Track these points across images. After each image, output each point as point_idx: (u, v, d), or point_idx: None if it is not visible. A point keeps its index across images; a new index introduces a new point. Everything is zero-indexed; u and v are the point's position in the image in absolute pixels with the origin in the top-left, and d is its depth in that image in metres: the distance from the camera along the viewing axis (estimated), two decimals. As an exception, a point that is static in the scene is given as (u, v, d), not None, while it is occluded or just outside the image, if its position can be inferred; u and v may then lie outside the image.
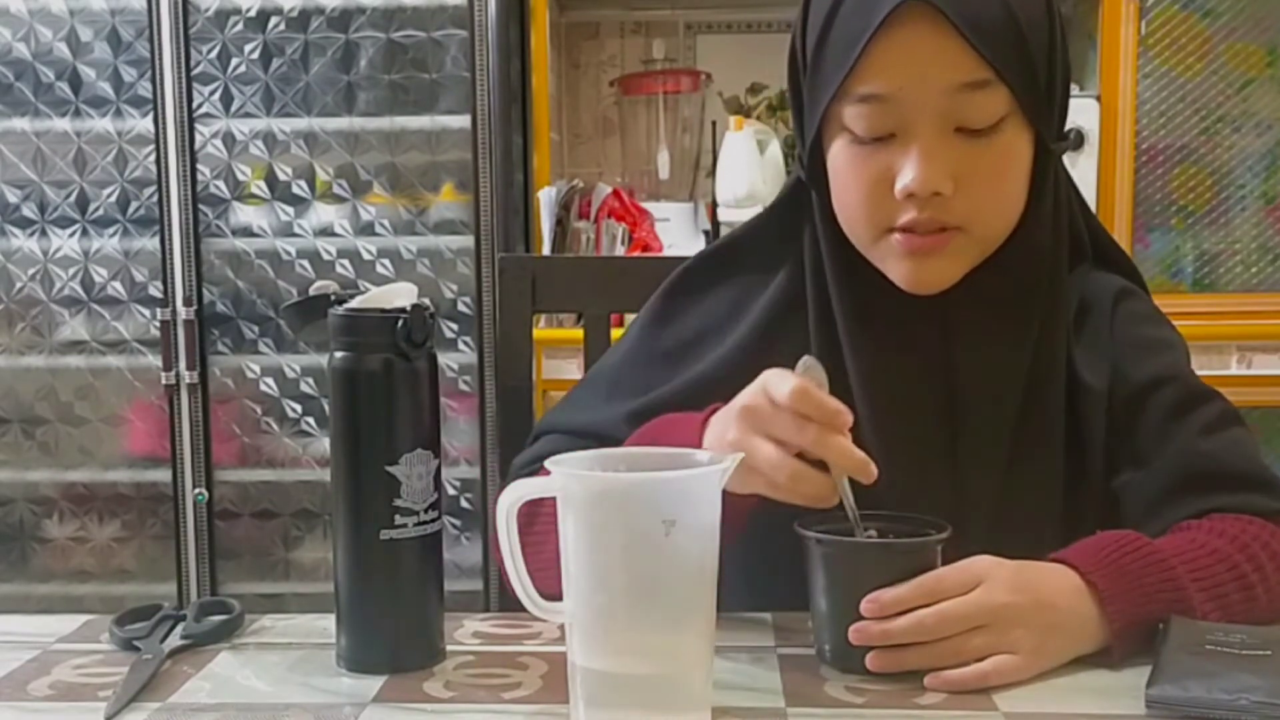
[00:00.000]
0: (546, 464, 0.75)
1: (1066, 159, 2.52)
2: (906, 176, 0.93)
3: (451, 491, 2.57)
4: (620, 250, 2.59)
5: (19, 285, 2.63)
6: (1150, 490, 0.99)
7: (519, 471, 1.07)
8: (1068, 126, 2.47)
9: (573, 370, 2.32)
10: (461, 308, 2.56)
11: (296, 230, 2.59)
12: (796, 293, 1.06)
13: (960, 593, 0.83)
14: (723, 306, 1.10)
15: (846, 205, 0.99)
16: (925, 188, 0.93)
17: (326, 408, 0.89)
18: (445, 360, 2.50)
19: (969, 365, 1.01)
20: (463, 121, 2.52)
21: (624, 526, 0.73)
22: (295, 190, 2.59)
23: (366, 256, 2.58)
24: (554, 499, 0.75)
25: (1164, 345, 1.11)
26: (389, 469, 0.85)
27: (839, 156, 0.98)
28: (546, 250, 2.52)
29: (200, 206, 2.57)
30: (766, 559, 1.01)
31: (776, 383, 0.84)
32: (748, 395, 0.86)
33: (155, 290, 2.59)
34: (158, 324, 2.59)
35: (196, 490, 2.61)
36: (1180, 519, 0.97)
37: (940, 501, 0.93)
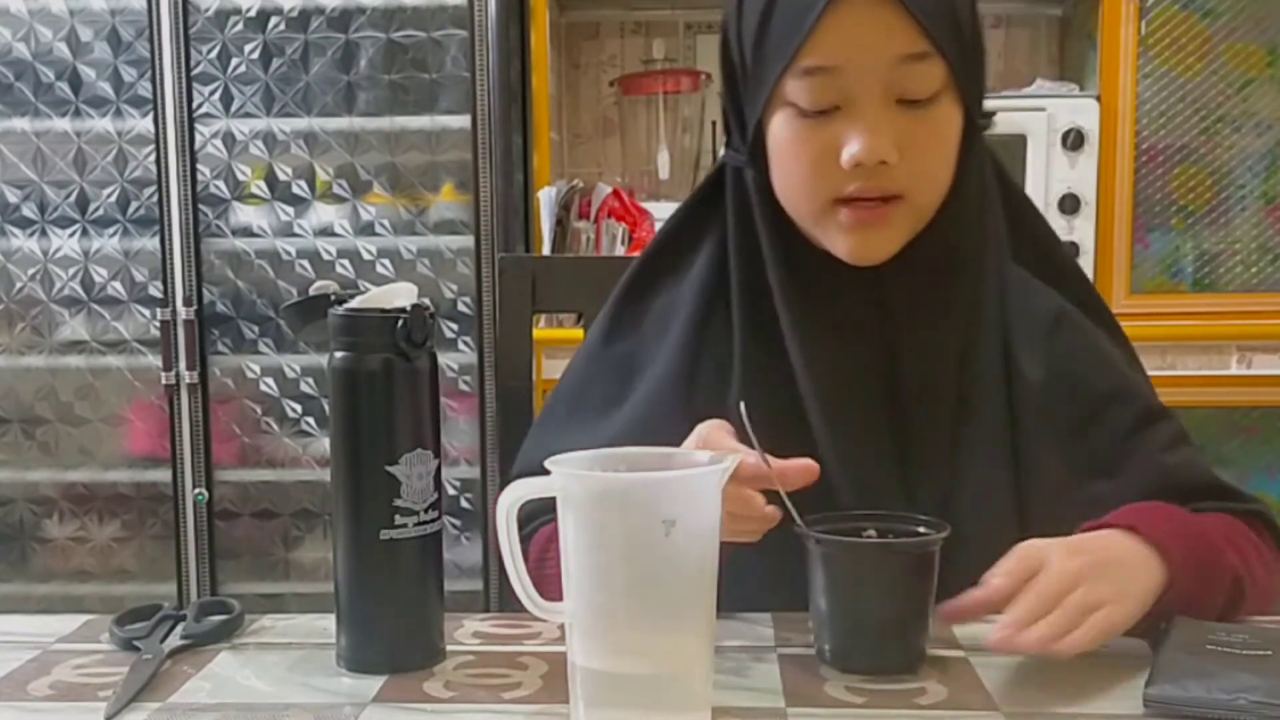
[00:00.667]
0: (546, 463, 0.75)
1: (1066, 158, 2.54)
2: (854, 146, 0.96)
3: (451, 491, 2.57)
4: (620, 250, 2.59)
5: (19, 285, 2.63)
6: (1129, 498, 1.00)
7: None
8: (1068, 126, 2.49)
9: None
10: (461, 308, 2.56)
11: (296, 230, 2.59)
12: (720, 279, 1.08)
13: (1030, 576, 0.84)
14: (661, 305, 1.12)
15: (791, 178, 1.02)
16: (873, 156, 0.96)
17: (326, 408, 0.89)
18: (445, 360, 2.50)
19: (907, 344, 1.04)
20: (463, 121, 2.52)
21: (624, 526, 0.73)
22: (295, 190, 2.59)
23: (366, 256, 2.58)
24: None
25: (1121, 359, 1.13)
26: (389, 469, 0.85)
27: (782, 131, 1.01)
28: (546, 250, 2.52)
29: (200, 206, 2.57)
30: (767, 559, 1.01)
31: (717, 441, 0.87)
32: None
33: (155, 290, 2.59)
34: (158, 324, 2.59)
35: (196, 490, 2.61)
36: None
37: (889, 479, 0.97)
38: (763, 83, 1.00)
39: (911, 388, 1.04)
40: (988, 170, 1.07)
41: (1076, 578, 0.84)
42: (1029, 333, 1.07)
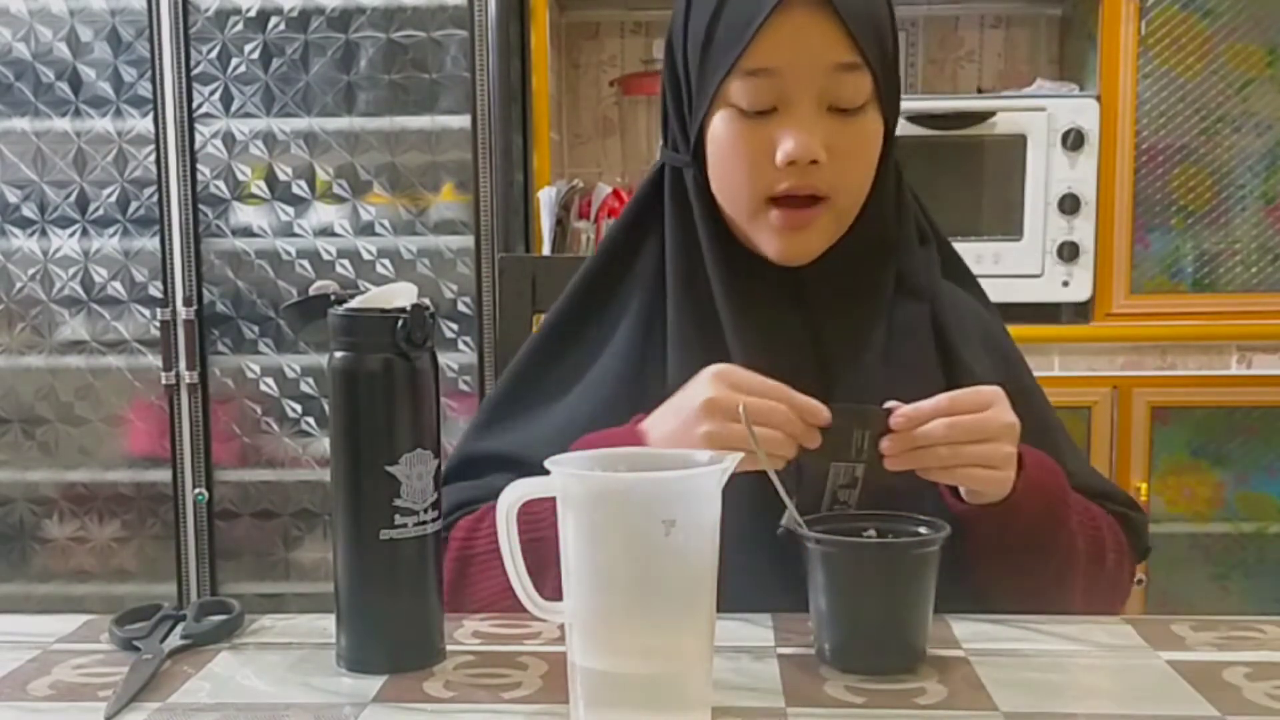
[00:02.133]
0: (546, 463, 0.75)
1: (1067, 158, 2.54)
2: (789, 144, 1.04)
3: (451, 491, 2.57)
4: (620, 250, 2.59)
5: (19, 285, 2.64)
6: None
7: (452, 515, 1.09)
8: (1068, 126, 2.50)
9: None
10: (461, 308, 2.56)
11: (296, 230, 2.59)
12: (662, 276, 1.14)
13: (974, 410, 0.96)
14: (607, 303, 1.17)
15: (729, 175, 1.08)
16: (805, 154, 1.03)
17: (326, 408, 0.89)
18: (445, 360, 2.50)
19: (832, 332, 1.10)
20: (463, 121, 2.52)
21: (624, 526, 0.73)
22: (295, 190, 2.59)
23: (366, 256, 2.58)
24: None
25: (1023, 369, 1.20)
26: (389, 469, 0.85)
27: (723, 130, 1.07)
28: (546, 250, 2.52)
29: (200, 206, 2.57)
30: (767, 559, 1.01)
31: (740, 375, 0.96)
32: (707, 390, 0.94)
33: (155, 290, 2.59)
34: (158, 324, 2.59)
35: (196, 490, 2.61)
36: None
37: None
38: (707, 84, 1.07)
39: (836, 369, 1.09)
40: (902, 180, 1.14)
41: (1001, 431, 0.96)
42: (966, 331, 1.14)
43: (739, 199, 1.08)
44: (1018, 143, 2.47)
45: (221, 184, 2.58)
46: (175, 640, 0.92)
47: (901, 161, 1.15)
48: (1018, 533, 1.00)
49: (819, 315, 1.11)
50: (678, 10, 1.11)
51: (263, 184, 2.59)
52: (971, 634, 0.93)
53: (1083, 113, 2.46)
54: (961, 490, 1.00)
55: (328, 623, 0.91)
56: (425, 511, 0.86)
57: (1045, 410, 1.17)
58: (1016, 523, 0.99)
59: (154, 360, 2.60)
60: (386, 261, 2.58)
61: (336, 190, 2.58)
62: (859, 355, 1.09)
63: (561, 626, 0.77)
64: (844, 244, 1.10)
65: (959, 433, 0.95)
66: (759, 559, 1.02)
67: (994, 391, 0.98)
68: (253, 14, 2.54)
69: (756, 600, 0.99)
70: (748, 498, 0.89)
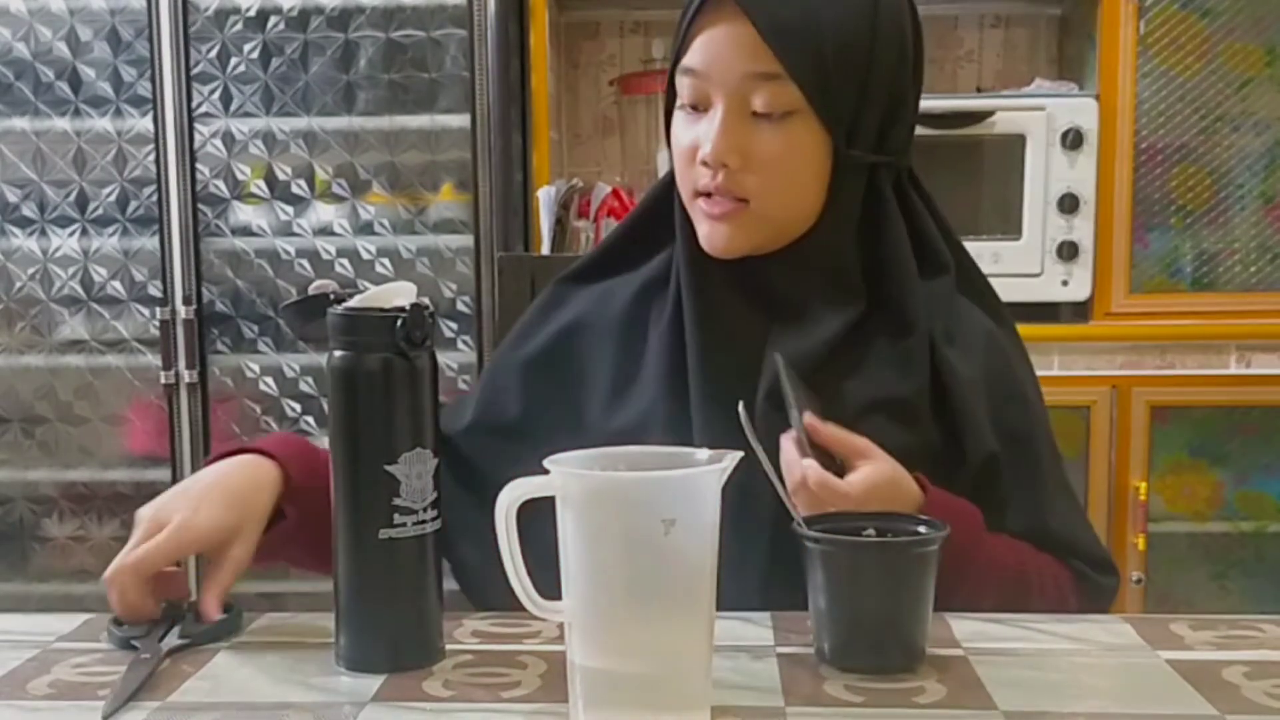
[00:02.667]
0: (546, 463, 0.75)
1: (1066, 158, 2.53)
2: (704, 146, 1.07)
3: (451, 491, 2.57)
4: (620, 249, 2.59)
5: (19, 285, 2.63)
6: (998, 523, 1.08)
7: None
8: (1067, 125, 2.49)
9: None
10: (461, 307, 2.56)
11: (296, 230, 2.59)
12: (665, 271, 1.17)
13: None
14: (589, 303, 1.19)
15: (676, 167, 1.13)
16: (716, 158, 1.06)
17: (326, 407, 0.89)
18: (445, 360, 2.50)
19: (780, 334, 1.10)
20: (462, 121, 2.52)
21: (623, 526, 0.73)
22: (294, 190, 2.59)
23: (366, 256, 2.58)
24: None
25: (1033, 390, 1.18)
26: (388, 468, 0.85)
27: (674, 125, 1.13)
28: (546, 250, 2.52)
29: (200, 206, 2.57)
30: (767, 559, 1.01)
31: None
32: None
33: (155, 290, 2.59)
34: (157, 323, 2.59)
35: (196, 490, 2.60)
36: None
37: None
38: (670, 76, 1.13)
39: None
40: (891, 200, 1.12)
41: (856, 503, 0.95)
42: (965, 338, 1.12)
43: (681, 190, 1.13)
44: (1017, 142, 2.47)
45: (221, 183, 2.58)
46: (174, 640, 0.92)
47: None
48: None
49: (772, 317, 1.11)
50: None
51: (262, 183, 2.58)
52: (971, 633, 0.93)
53: (1082, 112, 2.46)
54: None
55: (327, 622, 0.91)
56: (424, 511, 0.87)
57: (1038, 454, 1.14)
58: None
59: (153, 360, 2.60)
60: (386, 261, 2.58)
61: (336, 190, 2.58)
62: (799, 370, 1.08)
63: (561, 626, 0.77)
64: (796, 259, 1.11)
65: (812, 498, 0.95)
66: (759, 559, 1.03)
67: (867, 458, 0.98)
68: (252, 14, 2.54)
69: (756, 600, 0.99)
70: (744, 495, 0.89)
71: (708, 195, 1.08)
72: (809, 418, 0.98)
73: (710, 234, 1.10)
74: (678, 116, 1.12)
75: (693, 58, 1.07)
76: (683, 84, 1.09)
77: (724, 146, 1.06)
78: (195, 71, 2.55)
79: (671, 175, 1.15)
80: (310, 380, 2.62)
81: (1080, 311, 2.51)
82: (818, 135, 1.07)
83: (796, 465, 0.96)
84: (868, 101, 1.08)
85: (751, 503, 1.02)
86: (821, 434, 0.98)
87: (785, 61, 1.04)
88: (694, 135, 1.09)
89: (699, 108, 1.09)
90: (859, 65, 1.07)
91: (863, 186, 1.11)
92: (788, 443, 0.98)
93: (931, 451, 1.07)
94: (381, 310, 0.86)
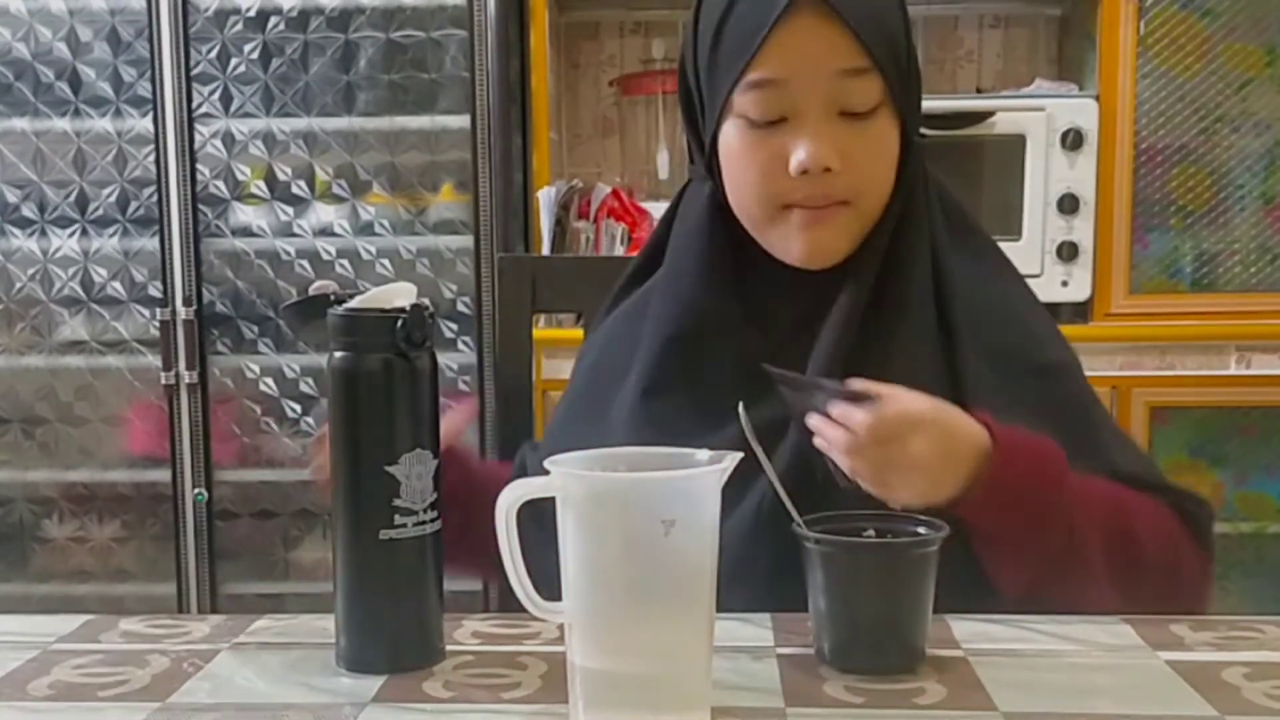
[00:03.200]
0: (545, 463, 0.75)
1: (1066, 158, 2.54)
2: (801, 153, 1.03)
3: (451, 491, 2.57)
4: (620, 250, 2.59)
5: (19, 285, 2.64)
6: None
7: None
8: (1067, 126, 2.50)
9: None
10: (461, 308, 2.56)
11: (296, 230, 2.59)
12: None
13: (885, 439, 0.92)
14: (632, 313, 1.18)
15: (742, 186, 1.08)
16: (818, 163, 1.03)
17: (326, 408, 0.89)
18: (445, 360, 2.50)
19: (824, 336, 1.07)
20: (462, 121, 2.52)
21: (623, 526, 0.73)
22: (295, 190, 2.59)
23: (366, 256, 2.58)
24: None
25: (1056, 339, 1.19)
26: (388, 469, 0.85)
27: (733, 142, 1.07)
28: (546, 250, 2.52)
29: (200, 206, 2.57)
30: (767, 559, 1.01)
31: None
32: None
33: (155, 290, 2.59)
34: (157, 324, 2.59)
35: (196, 490, 2.61)
36: None
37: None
38: (716, 96, 1.07)
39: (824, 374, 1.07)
40: (930, 181, 1.12)
41: (909, 463, 0.92)
42: (973, 325, 1.10)
43: (754, 208, 1.08)
44: (1017, 143, 2.47)
45: (221, 184, 2.58)
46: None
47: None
48: (993, 521, 0.97)
49: (812, 318, 1.08)
50: (687, 22, 1.11)
51: (262, 184, 2.59)
52: (971, 634, 0.93)
53: (1082, 113, 2.46)
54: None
55: (327, 623, 0.91)
56: (425, 511, 0.87)
57: (1078, 392, 1.12)
58: (983, 513, 0.96)
59: (154, 360, 2.60)
60: (386, 261, 2.58)
61: (336, 190, 2.59)
62: (833, 362, 1.06)
63: (561, 626, 0.77)
64: (870, 246, 1.08)
65: (859, 458, 0.93)
66: (759, 559, 1.02)
67: (913, 417, 0.93)
68: (252, 14, 2.54)
69: (756, 600, 0.99)
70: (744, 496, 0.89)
71: (803, 205, 1.05)
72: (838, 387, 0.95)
73: (813, 242, 1.06)
74: (742, 134, 1.06)
75: (771, 68, 1.03)
76: (753, 98, 1.04)
77: (825, 150, 1.03)
78: (195, 72, 2.55)
79: (708, 196, 1.12)
80: (310, 381, 2.62)
81: (1080, 312, 2.51)
82: (894, 125, 1.07)
83: (836, 429, 0.93)
84: (915, 83, 1.09)
85: (751, 503, 1.02)
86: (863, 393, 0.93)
87: (874, 53, 1.03)
88: (773, 148, 1.05)
89: (773, 120, 1.04)
90: (908, 50, 1.08)
91: (922, 168, 1.11)
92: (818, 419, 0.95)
93: None
94: (382, 311, 0.86)
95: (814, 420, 0.95)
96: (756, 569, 1.03)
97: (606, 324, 1.21)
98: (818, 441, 0.95)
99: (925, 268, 1.10)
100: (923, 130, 1.11)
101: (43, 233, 2.62)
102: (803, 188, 1.04)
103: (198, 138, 2.56)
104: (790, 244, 1.07)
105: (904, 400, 0.94)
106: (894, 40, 1.05)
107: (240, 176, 2.58)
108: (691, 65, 1.11)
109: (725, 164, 1.09)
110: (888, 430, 0.92)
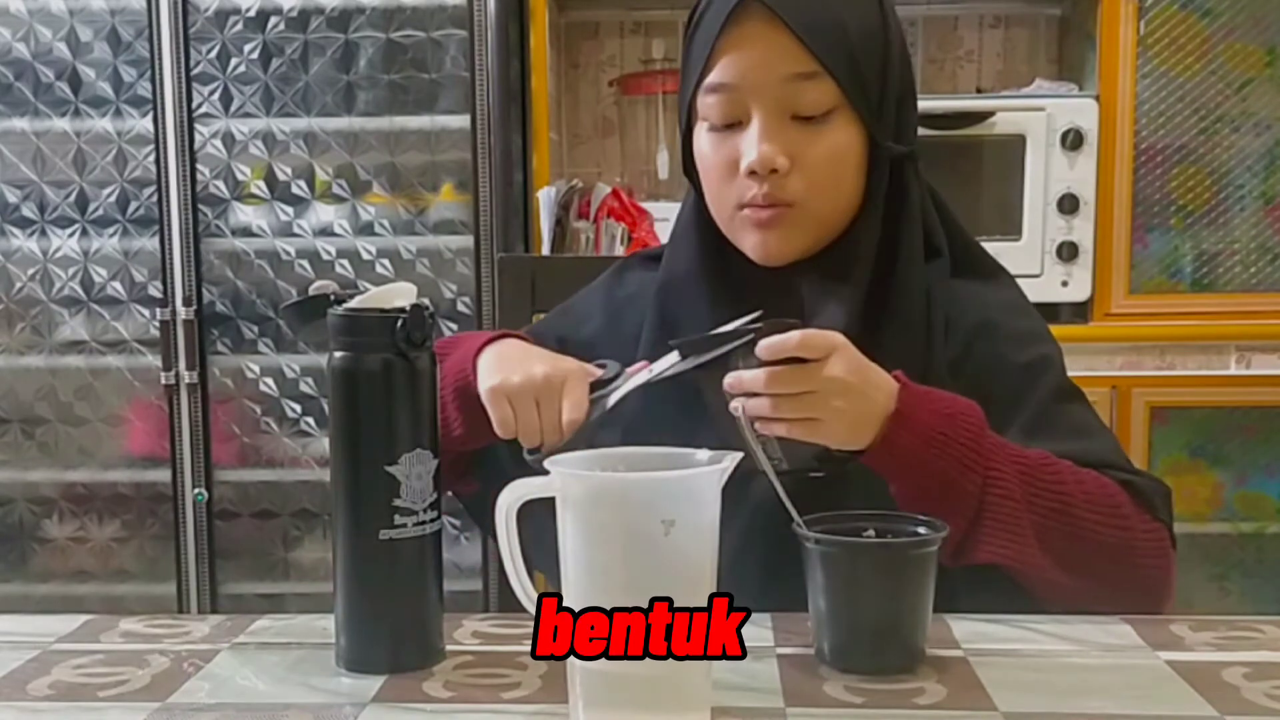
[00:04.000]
0: (546, 463, 0.76)
1: (1066, 158, 2.54)
2: (749, 155, 1.07)
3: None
4: (620, 250, 2.59)
5: (19, 285, 2.63)
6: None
7: None
8: (1067, 126, 2.49)
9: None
10: (461, 308, 2.56)
11: (296, 230, 2.59)
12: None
13: (817, 357, 0.94)
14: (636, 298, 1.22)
15: (708, 187, 1.13)
16: (764, 164, 1.06)
17: (326, 408, 0.89)
18: (445, 360, 2.50)
19: None
20: (462, 121, 2.52)
21: (623, 526, 0.73)
22: (295, 190, 2.59)
23: (366, 256, 2.58)
24: None
25: (1041, 336, 1.18)
26: (388, 469, 0.85)
27: (701, 144, 1.12)
28: (546, 250, 2.52)
29: (200, 206, 2.57)
30: (767, 559, 1.01)
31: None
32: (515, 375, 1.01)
33: (155, 290, 2.59)
34: (157, 324, 2.59)
35: (196, 490, 2.61)
36: None
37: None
38: (685, 102, 1.13)
39: None
40: (914, 196, 1.12)
41: (832, 387, 0.94)
42: (951, 340, 1.11)
43: (717, 209, 1.12)
44: (1017, 143, 2.47)
45: (221, 184, 2.58)
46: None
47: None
48: (908, 477, 0.97)
49: (801, 314, 1.10)
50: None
51: (262, 184, 2.59)
52: (970, 634, 0.93)
53: (1082, 113, 2.46)
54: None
55: (327, 623, 0.91)
56: (425, 511, 0.87)
57: (1052, 386, 1.11)
58: (899, 466, 0.97)
59: (154, 360, 2.60)
60: (386, 261, 2.58)
61: (336, 190, 2.58)
62: None
63: (561, 626, 0.77)
64: (837, 249, 1.11)
65: (778, 384, 0.93)
66: (759, 559, 1.03)
67: (836, 340, 0.95)
68: (252, 14, 2.54)
69: (756, 600, 0.99)
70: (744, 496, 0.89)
71: (752, 206, 1.08)
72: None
73: (762, 242, 1.10)
74: (706, 138, 1.11)
75: (723, 73, 1.07)
76: (710, 103, 1.09)
77: (770, 151, 1.06)
78: (195, 72, 2.55)
79: (696, 199, 1.15)
80: (310, 381, 2.62)
81: (1080, 312, 2.51)
82: (855, 131, 1.09)
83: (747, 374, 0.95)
84: (889, 92, 1.10)
85: (751, 503, 1.02)
86: (779, 344, 0.94)
87: (822, 58, 1.05)
88: (729, 150, 1.09)
89: (731, 124, 1.09)
90: (879, 56, 1.09)
91: (904, 181, 1.12)
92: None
93: None
94: (382, 311, 0.86)
95: (730, 377, 0.95)
96: (757, 569, 1.03)
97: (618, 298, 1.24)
98: (734, 405, 0.95)
99: (918, 273, 1.11)
100: (901, 137, 1.11)
101: (43, 233, 2.62)
102: (753, 188, 1.08)
103: (198, 138, 2.56)
104: (745, 244, 1.11)
105: (818, 330, 0.95)
106: (850, 45, 1.06)
107: (240, 176, 2.58)
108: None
109: (698, 167, 1.13)
110: (810, 344, 0.93)
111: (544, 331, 1.25)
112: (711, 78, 1.08)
